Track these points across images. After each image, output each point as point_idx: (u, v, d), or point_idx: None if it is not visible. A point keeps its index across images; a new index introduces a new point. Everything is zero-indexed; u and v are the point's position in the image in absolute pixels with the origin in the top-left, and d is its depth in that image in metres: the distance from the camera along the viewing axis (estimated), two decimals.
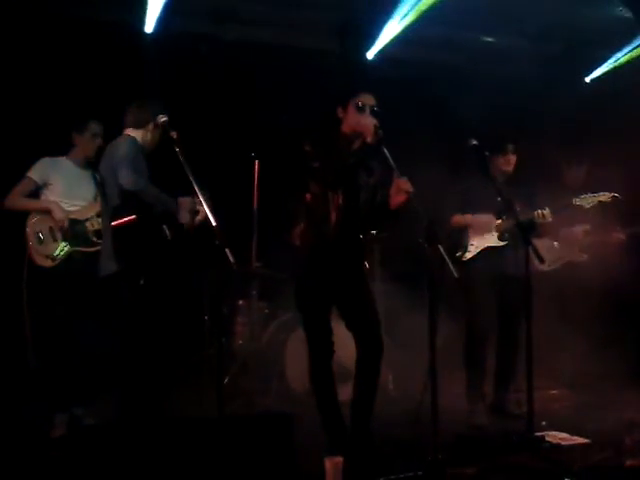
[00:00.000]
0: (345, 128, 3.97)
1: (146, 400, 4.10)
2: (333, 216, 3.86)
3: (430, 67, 6.76)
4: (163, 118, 3.94)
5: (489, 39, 6.77)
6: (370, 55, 6.51)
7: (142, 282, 4.04)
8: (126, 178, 3.92)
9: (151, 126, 4.17)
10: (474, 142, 4.14)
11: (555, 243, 5.70)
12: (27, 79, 5.63)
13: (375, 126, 3.81)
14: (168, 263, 4.11)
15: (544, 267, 5.54)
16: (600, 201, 4.83)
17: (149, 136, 4.19)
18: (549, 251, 5.61)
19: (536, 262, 5.52)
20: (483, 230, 4.87)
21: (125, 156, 3.99)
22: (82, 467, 3.77)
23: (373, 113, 3.89)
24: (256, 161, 5.69)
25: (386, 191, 3.84)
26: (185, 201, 4.05)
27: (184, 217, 4.07)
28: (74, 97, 5.63)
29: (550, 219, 4.76)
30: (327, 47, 6.49)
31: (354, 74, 6.29)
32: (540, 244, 5.56)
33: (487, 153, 4.55)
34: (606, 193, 4.84)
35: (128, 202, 3.99)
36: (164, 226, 4.10)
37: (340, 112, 3.99)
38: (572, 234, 5.60)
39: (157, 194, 3.99)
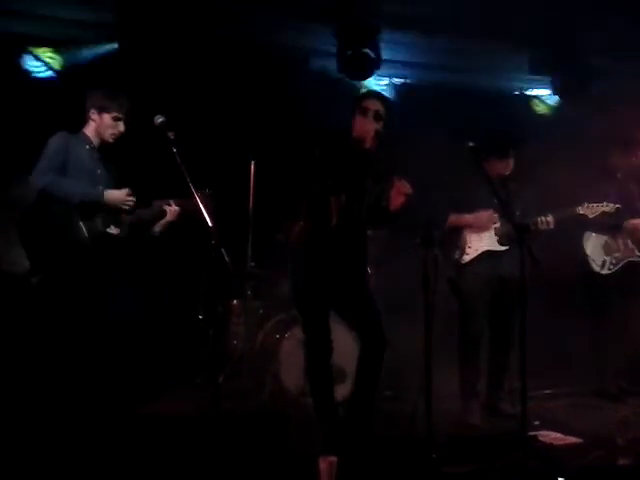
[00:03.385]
0: (353, 132, 3.99)
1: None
2: (333, 218, 3.86)
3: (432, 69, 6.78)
4: (160, 119, 3.94)
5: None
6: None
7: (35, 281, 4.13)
8: (30, 180, 4.06)
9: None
10: (471, 144, 4.15)
11: (614, 242, 5.42)
12: None
13: (376, 131, 3.83)
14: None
15: (604, 270, 5.41)
16: (604, 212, 4.81)
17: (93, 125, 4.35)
18: (608, 251, 5.43)
19: (593, 265, 5.47)
20: (482, 228, 4.83)
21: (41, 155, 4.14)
22: (76, 465, 3.78)
23: (376, 118, 3.91)
24: (252, 162, 5.71)
25: (387, 193, 3.86)
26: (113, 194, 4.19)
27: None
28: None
29: (553, 226, 4.69)
30: (327, 49, 6.46)
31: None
32: (597, 243, 5.47)
33: (484, 155, 4.56)
34: (610, 204, 4.82)
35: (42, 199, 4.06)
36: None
37: (353, 117, 3.99)
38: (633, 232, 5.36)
39: (70, 186, 4.06)
